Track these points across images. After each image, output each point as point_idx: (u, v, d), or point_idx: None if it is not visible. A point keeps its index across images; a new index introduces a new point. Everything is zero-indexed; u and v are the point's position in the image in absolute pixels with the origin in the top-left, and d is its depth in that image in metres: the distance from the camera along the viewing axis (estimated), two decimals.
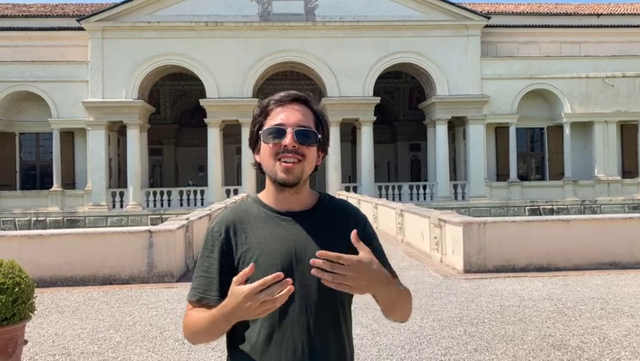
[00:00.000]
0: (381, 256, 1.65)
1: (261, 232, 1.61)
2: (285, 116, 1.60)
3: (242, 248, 1.60)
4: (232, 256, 1.61)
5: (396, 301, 1.61)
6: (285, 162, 1.57)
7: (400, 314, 1.67)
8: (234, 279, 1.43)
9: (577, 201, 24.85)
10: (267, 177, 1.64)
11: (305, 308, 1.56)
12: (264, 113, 1.64)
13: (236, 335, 1.61)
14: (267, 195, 1.67)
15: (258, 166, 1.66)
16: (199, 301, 1.60)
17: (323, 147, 1.67)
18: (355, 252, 1.49)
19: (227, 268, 1.59)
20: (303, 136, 1.58)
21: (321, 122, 1.66)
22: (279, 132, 1.58)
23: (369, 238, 1.66)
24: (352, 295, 1.65)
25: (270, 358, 1.55)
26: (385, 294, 1.54)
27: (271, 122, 1.61)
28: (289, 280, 1.38)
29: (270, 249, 1.59)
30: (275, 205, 1.65)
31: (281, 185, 1.60)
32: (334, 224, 1.66)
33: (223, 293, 1.55)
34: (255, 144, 1.66)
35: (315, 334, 1.56)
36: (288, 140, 1.57)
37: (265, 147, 1.61)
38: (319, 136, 1.62)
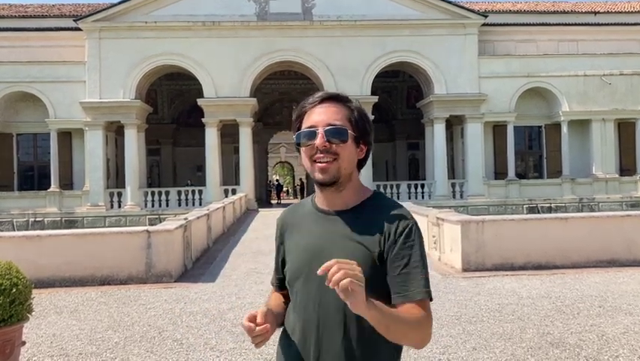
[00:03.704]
0: (409, 269, 1.57)
1: (304, 228, 1.70)
2: (316, 116, 1.63)
3: (287, 243, 1.75)
4: (284, 248, 1.77)
5: (388, 325, 1.46)
6: (320, 162, 1.60)
7: (403, 340, 1.54)
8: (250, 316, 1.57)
9: (575, 199, 24.88)
10: None
11: (319, 305, 1.60)
12: (299, 117, 1.68)
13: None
14: (317, 194, 1.74)
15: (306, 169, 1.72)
16: (272, 284, 1.88)
17: (364, 140, 1.67)
18: (386, 254, 1.58)
19: (281, 260, 1.79)
20: (333, 134, 1.60)
21: (355, 117, 1.66)
22: (310, 134, 1.61)
23: (398, 247, 1.57)
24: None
25: (293, 348, 1.64)
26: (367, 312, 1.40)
27: (305, 125, 1.65)
28: (266, 326, 1.53)
29: (301, 245, 1.68)
30: (320, 203, 1.71)
31: (320, 184, 1.64)
32: (369, 226, 1.61)
33: (281, 281, 1.79)
34: (298, 148, 1.70)
35: (324, 331, 1.59)
36: (318, 140, 1.59)
37: (302, 150, 1.65)
38: (350, 132, 1.62)
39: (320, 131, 1.59)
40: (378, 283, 1.55)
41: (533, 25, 26.61)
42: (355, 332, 1.57)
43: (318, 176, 1.61)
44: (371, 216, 1.64)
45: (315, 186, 1.69)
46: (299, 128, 1.67)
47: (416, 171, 32.26)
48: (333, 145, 1.59)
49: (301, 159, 1.70)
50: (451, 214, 10.66)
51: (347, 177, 1.63)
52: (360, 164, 1.68)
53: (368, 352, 1.58)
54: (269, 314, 1.59)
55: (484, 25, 25.09)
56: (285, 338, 1.69)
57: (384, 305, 1.45)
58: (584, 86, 25.18)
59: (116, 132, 25.73)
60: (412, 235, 1.60)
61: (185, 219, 10.85)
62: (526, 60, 25.24)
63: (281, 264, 1.79)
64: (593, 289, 7.72)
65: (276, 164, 59.03)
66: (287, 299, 1.79)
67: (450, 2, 24.93)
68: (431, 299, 1.60)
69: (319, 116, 1.62)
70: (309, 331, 1.61)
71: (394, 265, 1.57)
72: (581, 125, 25.72)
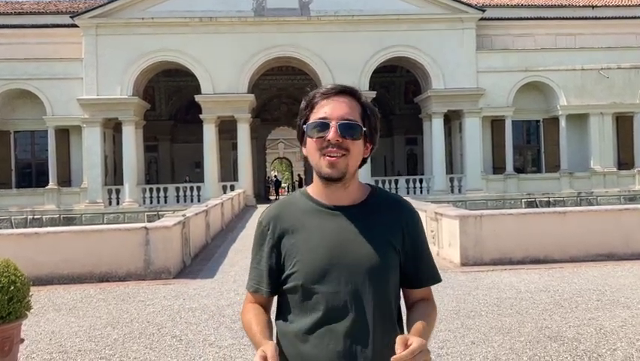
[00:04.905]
0: (425, 256, 1.70)
1: (308, 226, 1.61)
2: (329, 109, 1.59)
3: (288, 242, 1.61)
4: (279, 249, 1.63)
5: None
6: (329, 156, 1.56)
7: None
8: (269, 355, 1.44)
9: (573, 193, 24.90)
10: (314, 170, 1.63)
11: (351, 303, 1.55)
12: (310, 106, 1.63)
13: (281, 316, 1.65)
14: (315, 189, 1.66)
15: (305, 159, 1.67)
16: (255, 292, 1.68)
17: (371, 139, 1.64)
18: (406, 245, 1.63)
19: (275, 262, 1.64)
20: (347, 129, 1.56)
21: (368, 114, 1.63)
22: (322, 126, 1.57)
23: (417, 238, 1.68)
24: (400, 294, 1.69)
25: (312, 349, 1.54)
26: None
27: (316, 115, 1.60)
28: None
29: (315, 243, 1.58)
30: (323, 199, 1.64)
31: (326, 179, 1.59)
32: (384, 220, 1.64)
33: (272, 286, 1.65)
34: (301, 138, 1.65)
35: (362, 330, 1.55)
36: (331, 134, 1.55)
37: (310, 141, 1.60)
38: (364, 129, 1.60)
39: (333, 125, 1.56)
40: (396, 272, 1.64)
41: (531, 19, 26.57)
42: (393, 325, 1.64)
43: (326, 170, 1.57)
44: (382, 209, 1.65)
45: (319, 181, 1.63)
46: (307, 118, 1.62)
47: (414, 166, 32.28)
48: (346, 140, 1.56)
49: (304, 150, 1.64)
50: (450, 209, 10.67)
51: (353, 174, 1.62)
52: (363, 161, 1.66)
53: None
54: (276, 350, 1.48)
55: (481, 19, 25.06)
56: (300, 344, 1.57)
57: (422, 328, 1.59)
58: (582, 80, 25.17)
59: (113, 129, 25.69)
60: (421, 224, 1.72)
61: (184, 215, 10.85)
62: (523, 54, 25.22)
63: (275, 266, 1.64)
64: (591, 282, 7.74)
65: (275, 160, 59.01)
66: (267, 311, 1.70)
67: None
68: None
69: (333, 110, 1.58)
70: (339, 330, 1.54)
71: (418, 253, 1.68)
72: (579, 120, 25.73)
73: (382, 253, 1.59)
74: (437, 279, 1.73)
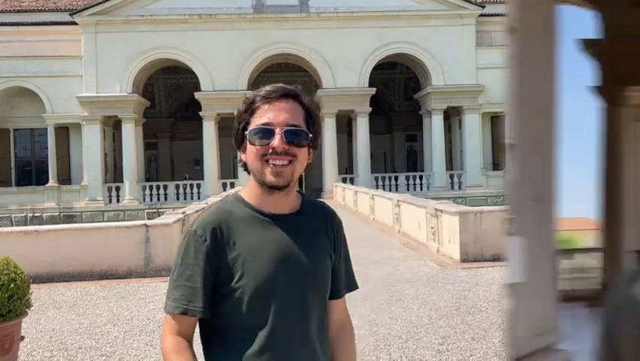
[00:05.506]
0: (348, 263, 1.65)
1: (249, 235, 1.49)
2: (272, 114, 1.48)
3: (230, 254, 1.46)
4: (218, 262, 1.45)
5: None
6: (275, 164, 1.46)
7: None
8: None
9: None
10: (252, 177, 1.52)
11: (294, 312, 1.47)
12: (250, 110, 1.53)
13: (215, 338, 1.49)
14: (252, 195, 1.53)
15: (244, 165, 1.54)
16: (183, 313, 1.43)
17: (313, 143, 1.54)
18: (337, 252, 1.58)
19: (212, 276, 1.45)
20: (292, 136, 1.47)
21: (311, 118, 1.53)
22: (266, 132, 1.46)
23: (342, 243, 1.64)
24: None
25: None
26: None
27: (258, 120, 1.49)
28: None
29: (261, 254, 1.46)
30: (261, 207, 1.51)
31: (270, 188, 1.49)
32: (319, 227, 1.58)
33: (207, 304, 1.44)
34: (240, 142, 1.53)
35: (304, 339, 1.48)
36: (276, 142, 1.45)
37: (251, 148, 1.48)
38: (310, 135, 1.50)
39: (279, 131, 1.46)
40: (330, 281, 1.59)
41: None
42: (327, 331, 1.58)
43: (271, 179, 1.46)
44: (314, 217, 1.60)
45: (258, 188, 1.52)
46: (247, 122, 1.52)
47: (414, 162, 32.29)
48: (292, 147, 1.47)
49: (243, 156, 1.53)
50: (450, 205, 10.66)
51: (296, 181, 1.54)
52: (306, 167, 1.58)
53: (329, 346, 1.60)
54: None
55: (481, 15, 25.03)
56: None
57: None
58: None
59: (113, 127, 25.69)
60: (343, 230, 1.67)
61: (184, 213, 10.85)
62: None
63: (212, 281, 1.45)
64: None
65: None
66: (191, 343, 1.48)
67: None
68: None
69: (277, 115, 1.49)
70: (285, 341, 1.45)
71: (340, 260, 1.62)
72: None
73: (324, 262, 1.54)
74: (355, 286, 1.68)
